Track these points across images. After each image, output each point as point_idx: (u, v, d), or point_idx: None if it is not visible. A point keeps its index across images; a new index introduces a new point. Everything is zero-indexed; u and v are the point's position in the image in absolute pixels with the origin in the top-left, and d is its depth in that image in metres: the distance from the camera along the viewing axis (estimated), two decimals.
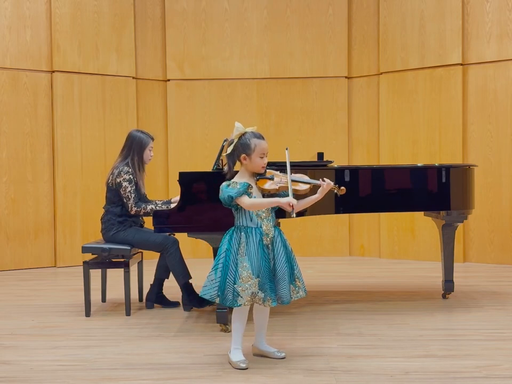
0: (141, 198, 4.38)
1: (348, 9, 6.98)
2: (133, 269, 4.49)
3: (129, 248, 4.24)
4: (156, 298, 4.46)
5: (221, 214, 3.44)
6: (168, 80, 7.07)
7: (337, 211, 4.25)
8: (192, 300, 4.24)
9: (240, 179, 3.08)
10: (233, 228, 3.13)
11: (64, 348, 3.50)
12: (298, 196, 3.19)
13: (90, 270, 4.25)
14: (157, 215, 3.81)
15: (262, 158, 3.08)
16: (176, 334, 3.76)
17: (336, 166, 4.39)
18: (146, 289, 4.56)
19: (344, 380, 2.88)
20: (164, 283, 4.50)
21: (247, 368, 3.04)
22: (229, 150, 3.11)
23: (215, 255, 3.37)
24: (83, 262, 4.28)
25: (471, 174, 4.54)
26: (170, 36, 7.02)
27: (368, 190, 4.35)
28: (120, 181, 4.29)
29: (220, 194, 3.07)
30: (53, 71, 6.49)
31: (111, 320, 4.12)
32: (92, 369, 3.10)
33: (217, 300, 3.07)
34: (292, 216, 3.01)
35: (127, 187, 4.28)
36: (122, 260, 4.26)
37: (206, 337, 3.64)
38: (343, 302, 4.54)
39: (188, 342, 3.57)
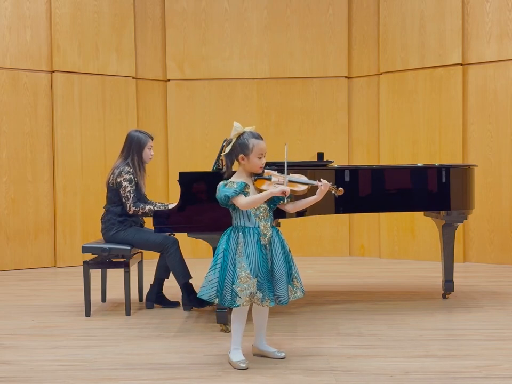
0: (141, 198, 4.38)
1: (348, 9, 6.98)
2: (133, 269, 4.49)
3: (129, 248, 4.24)
4: (156, 298, 4.46)
5: (221, 214, 3.43)
6: (168, 80, 7.07)
7: (337, 211, 4.25)
8: (192, 299, 4.24)
9: (238, 179, 3.08)
10: (230, 228, 3.12)
11: (64, 347, 3.50)
12: (296, 196, 3.19)
13: (90, 270, 4.25)
14: (157, 215, 3.82)
15: (260, 158, 3.07)
16: (176, 334, 3.76)
17: (336, 166, 4.39)
18: (146, 289, 4.56)
19: (344, 380, 2.88)
20: (164, 283, 4.50)
21: (247, 368, 3.04)
22: (227, 149, 3.10)
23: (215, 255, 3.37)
24: (83, 262, 4.28)
25: (471, 174, 4.54)
26: (170, 36, 7.02)
27: (368, 190, 4.35)
28: (121, 181, 4.29)
29: (216, 194, 3.06)
30: (53, 71, 6.49)
31: (111, 320, 4.12)
32: (92, 369, 3.10)
33: (215, 301, 3.06)
34: (285, 202, 3.00)
35: (127, 187, 4.28)
36: (122, 260, 4.26)
37: (206, 337, 3.64)
38: (343, 302, 4.54)
39: (188, 342, 3.57)
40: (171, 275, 4.38)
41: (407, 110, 6.65)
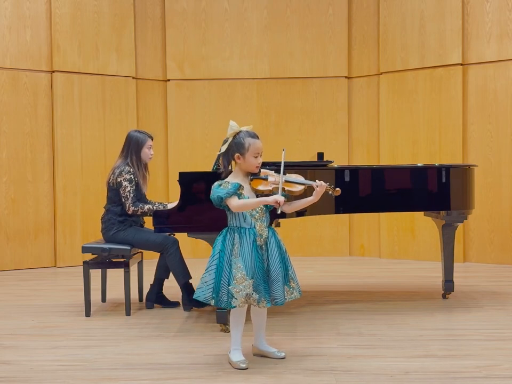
0: (141, 198, 4.38)
1: (348, 9, 6.98)
2: (133, 269, 4.49)
3: (129, 248, 4.24)
4: (156, 298, 4.46)
5: (220, 214, 3.42)
6: (168, 80, 7.07)
7: (337, 211, 4.25)
8: (192, 300, 4.24)
9: (234, 179, 3.07)
10: (226, 228, 3.11)
11: (64, 348, 3.50)
12: (293, 197, 3.19)
13: (90, 270, 4.25)
14: (157, 215, 3.82)
15: (256, 157, 3.05)
16: (176, 334, 3.76)
17: (336, 166, 4.39)
18: (146, 289, 4.56)
19: (344, 380, 2.88)
20: (164, 283, 4.50)
21: (247, 368, 3.04)
22: (223, 148, 3.09)
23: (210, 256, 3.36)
24: (83, 262, 4.28)
25: (471, 174, 4.54)
26: (170, 36, 7.02)
27: (368, 190, 4.35)
28: (121, 180, 4.30)
29: (211, 194, 3.05)
30: (53, 71, 6.49)
31: (111, 320, 4.12)
32: (92, 369, 3.10)
33: (211, 302, 3.04)
34: (278, 212, 3.00)
35: (127, 186, 4.28)
36: (122, 260, 4.27)
37: (206, 337, 3.64)
38: (343, 302, 4.54)
39: (188, 342, 3.57)
40: (171, 275, 4.38)
41: (407, 110, 6.65)
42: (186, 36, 7.02)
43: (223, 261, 3.01)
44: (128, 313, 4.21)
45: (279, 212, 2.99)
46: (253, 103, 7.04)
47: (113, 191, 4.36)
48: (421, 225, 6.46)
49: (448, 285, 4.56)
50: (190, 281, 4.29)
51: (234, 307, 3.01)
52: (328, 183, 3.14)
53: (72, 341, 3.63)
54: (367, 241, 6.99)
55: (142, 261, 4.65)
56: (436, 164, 4.83)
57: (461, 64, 6.37)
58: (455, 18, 6.35)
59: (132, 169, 4.33)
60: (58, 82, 6.49)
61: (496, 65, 6.24)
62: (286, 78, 7.03)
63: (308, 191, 3.14)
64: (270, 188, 3.05)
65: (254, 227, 3.05)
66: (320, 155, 4.38)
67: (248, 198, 3.05)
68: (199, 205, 3.79)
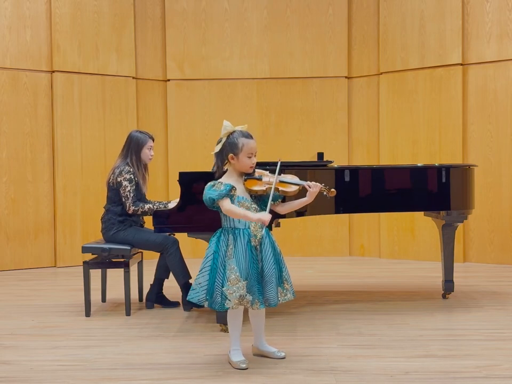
0: (141, 198, 4.38)
1: (348, 9, 6.98)
2: (133, 269, 4.49)
3: (129, 248, 4.24)
4: (156, 298, 4.46)
5: (220, 214, 3.43)
6: (168, 80, 7.07)
7: (337, 211, 4.25)
8: None
9: (228, 179, 3.05)
10: (220, 229, 3.09)
11: (64, 347, 3.50)
12: (287, 197, 3.18)
13: (90, 270, 4.25)
14: (157, 215, 3.82)
15: (250, 157, 3.03)
16: (176, 334, 3.76)
17: (336, 166, 4.39)
18: (146, 289, 4.56)
19: (344, 380, 2.88)
20: (164, 283, 4.51)
21: (247, 368, 3.04)
22: (217, 148, 3.07)
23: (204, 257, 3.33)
24: (83, 262, 4.28)
25: (471, 174, 4.54)
26: (170, 36, 7.02)
27: (368, 190, 4.35)
28: (121, 180, 4.30)
29: (203, 195, 3.03)
30: (53, 71, 6.49)
31: (111, 320, 4.12)
32: (92, 369, 3.10)
33: (205, 304, 3.02)
34: (262, 232, 3.01)
35: (127, 186, 4.29)
36: (122, 260, 4.26)
37: (206, 337, 3.64)
38: (343, 302, 4.54)
39: (188, 342, 3.57)
40: (171, 275, 4.38)
41: (407, 110, 6.65)
42: (186, 36, 7.02)
43: (217, 263, 2.99)
44: (128, 313, 4.21)
45: (263, 231, 3.00)
46: (253, 103, 7.04)
47: (113, 191, 4.36)
48: (421, 225, 6.46)
49: (448, 285, 4.56)
50: (190, 281, 4.28)
51: (227, 309, 3.00)
52: (323, 184, 3.12)
53: (72, 341, 3.63)
54: (367, 241, 6.99)
55: (142, 261, 4.65)
56: (436, 164, 4.83)
57: (461, 64, 6.37)
58: (455, 18, 6.35)
59: (131, 169, 4.34)
60: (58, 82, 6.49)
61: (496, 65, 6.24)
62: (286, 78, 7.03)
63: (303, 192, 3.13)
64: (264, 188, 3.03)
65: (249, 227, 3.03)
66: (320, 155, 4.38)
67: (243, 198, 3.03)
68: (199, 205, 3.76)
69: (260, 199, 3.09)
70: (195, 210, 3.77)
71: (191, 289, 3.08)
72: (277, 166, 3.07)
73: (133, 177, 4.32)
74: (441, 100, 6.47)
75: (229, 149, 3.03)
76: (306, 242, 7.02)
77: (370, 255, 6.97)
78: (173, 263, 4.26)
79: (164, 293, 4.50)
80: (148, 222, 4.27)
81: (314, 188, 3.07)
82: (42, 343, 3.61)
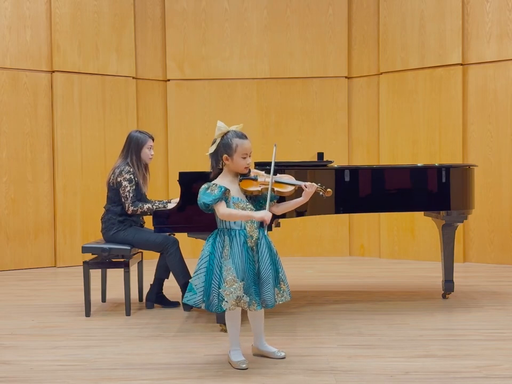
0: (141, 198, 4.38)
1: (348, 9, 6.98)
2: (133, 269, 4.49)
3: (129, 248, 4.24)
4: (156, 298, 4.46)
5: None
6: (168, 80, 7.07)
7: (337, 211, 4.25)
8: None
9: (223, 179, 3.04)
10: (216, 230, 3.07)
11: (64, 348, 3.50)
12: (283, 197, 3.17)
13: (90, 270, 4.25)
14: (157, 215, 3.82)
15: (244, 158, 3.01)
16: (176, 334, 3.76)
17: (336, 166, 4.39)
18: (146, 289, 4.56)
19: (344, 380, 2.88)
20: (164, 283, 4.50)
21: (247, 368, 3.04)
22: (212, 149, 3.05)
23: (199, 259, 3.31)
24: (83, 262, 4.28)
25: (471, 174, 4.54)
26: (170, 36, 7.02)
27: (368, 190, 4.34)
28: (121, 180, 4.30)
29: (198, 198, 3.00)
30: (53, 71, 6.49)
31: (111, 320, 4.12)
32: (92, 369, 3.10)
33: (202, 306, 3.01)
34: (264, 232, 2.99)
35: (127, 186, 4.29)
36: (122, 260, 4.26)
37: (206, 337, 3.64)
38: (343, 302, 4.54)
39: (188, 342, 3.57)
40: (171, 275, 4.38)
41: (407, 110, 6.65)
42: (186, 36, 7.02)
43: (214, 264, 2.98)
44: (128, 313, 4.21)
45: (266, 232, 2.99)
46: (253, 103, 7.04)
47: (113, 191, 4.36)
48: (421, 225, 6.46)
49: (448, 285, 4.56)
50: (190, 281, 4.28)
51: (224, 310, 2.99)
52: (319, 184, 3.10)
53: (72, 341, 3.63)
54: (367, 241, 6.99)
55: (142, 261, 4.65)
56: (436, 164, 4.83)
57: (461, 64, 6.37)
58: (455, 18, 6.35)
59: (131, 169, 4.34)
60: (58, 82, 6.49)
61: (496, 65, 6.24)
62: (286, 78, 7.03)
63: (299, 192, 3.11)
64: (259, 189, 3.02)
65: (245, 228, 3.02)
66: (320, 155, 4.38)
67: (238, 198, 3.02)
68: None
69: (255, 200, 3.07)
70: (195, 210, 3.75)
71: (187, 290, 3.06)
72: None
73: (132, 177, 4.32)
74: (441, 99, 6.47)
75: (223, 150, 3.01)
76: (306, 242, 7.02)
77: (370, 255, 6.97)
78: (173, 263, 4.26)
79: (164, 293, 4.50)
80: (148, 222, 4.27)
81: (310, 188, 3.05)
82: (42, 343, 3.61)
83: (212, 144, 3.07)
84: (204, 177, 3.84)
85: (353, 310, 4.30)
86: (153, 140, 4.51)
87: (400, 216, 6.57)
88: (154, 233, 3.96)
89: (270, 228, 3.60)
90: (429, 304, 4.44)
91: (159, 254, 4.43)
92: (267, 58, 7.03)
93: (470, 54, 6.37)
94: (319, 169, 4.21)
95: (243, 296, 2.96)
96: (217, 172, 3.09)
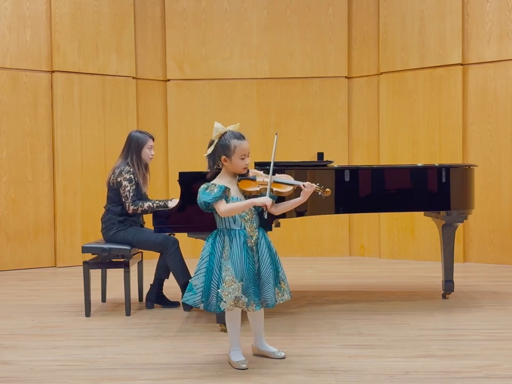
0: (142, 198, 4.38)
1: (348, 9, 6.98)
2: (133, 269, 4.49)
3: (129, 248, 4.24)
4: (156, 298, 4.46)
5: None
6: (168, 80, 7.07)
7: (337, 211, 4.25)
8: None
9: (221, 180, 3.03)
10: (215, 231, 3.07)
11: (64, 348, 3.50)
12: (282, 197, 3.17)
13: (90, 270, 4.25)
14: (157, 215, 3.82)
15: (243, 159, 3.00)
16: (176, 334, 3.76)
17: (336, 166, 4.39)
18: (146, 289, 4.56)
19: (344, 380, 2.88)
20: (164, 283, 4.50)
21: (247, 368, 3.04)
22: (209, 151, 3.04)
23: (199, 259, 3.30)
24: (83, 262, 4.28)
25: (471, 174, 4.54)
26: (170, 36, 7.02)
27: (368, 190, 4.34)
28: (121, 180, 4.30)
29: (197, 198, 3.00)
30: (53, 71, 6.49)
31: (111, 320, 4.12)
32: (92, 369, 3.10)
33: (200, 306, 3.00)
34: (264, 216, 2.98)
35: (127, 186, 4.29)
36: (122, 260, 4.26)
37: (206, 337, 3.64)
38: (343, 302, 4.54)
39: (188, 342, 3.57)
40: (171, 275, 4.38)
41: (407, 110, 6.65)
42: (186, 36, 7.02)
43: (213, 264, 2.98)
44: (128, 313, 4.21)
45: (265, 216, 2.98)
46: (253, 103, 7.04)
47: (113, 191, 4.36)
48: (421, 225, 6.46)
49: (448, 285, 4.56)
50: (190, 281, 4.28)
51: (222, 310, 2.99)
52: (317, 184, 3.09)
53: (72, 341, 3.63)
54: (367, 241, 6.99)
55: (142, 261, 4.65)
56: (436, 164, 4.83)
57: (461, 64, 6.37)
58: (455, 18, 6.35)
59: (131, 169, 4.34)
60: (58, 82, 6.49)
61: (496, 65, 6.24)
62: (286, 78, 7.03)
63: (298, 192, 3.11)
64: (258, 189, 3.01)
65: (244, 228, 3.02)
66: (320, 155, 4.38)
67: (237, 198, 3.01)
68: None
69: None
70: (195, 210, 3.75)
71: (186, 290, 3.06)
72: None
73: (132, 177, 4.32)
74: (441, 99, 6.47)
75: (221, 151, 3.01)
76: (306, 242, 7.02)
77: (370, 255, 6.97)
78: (173, 263, 4.26)
79: (164, 293, 4.50)
80: (148, 222, 4.26)
81: (308, 187, 3.05)
82: (42, 343, 3.61)
83: (209, 145, 3.07)
84: (204, 177, 3.85)
85: (353, 310, 4.30)
86: (153, 140, 4.51)
87: (400, 216, 6.57)
88: (154, 233, 3.96)
89: (270, 228, 3.61)
90: (429, 304, 4.44)
91: (159, 254, 4.43)
92: (267, 58, 7.03)
93: (470, 54, 6.37)
94: (319, 169, 4.21)
95: (241, 296, 2.96)
96: (214, 172, 3.08)
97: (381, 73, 6.81)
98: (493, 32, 6.24)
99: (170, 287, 4.57)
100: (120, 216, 4.33)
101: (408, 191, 4.41)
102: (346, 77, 7.02)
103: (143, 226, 4.49)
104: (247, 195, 3.05)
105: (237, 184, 3.04)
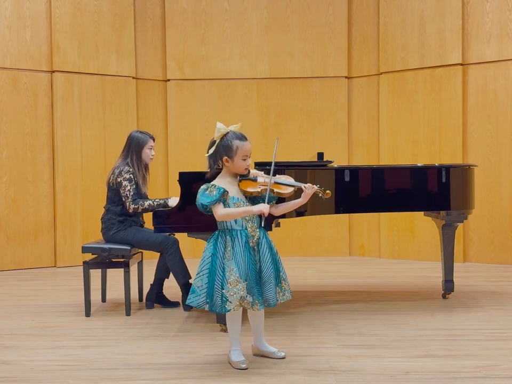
0: (142, 197, 4.38)
1: (348, 9, 6.98)
2: (133, 269, 4.49)
3: (129, 248, 4.24)
4: (156, 298, 4.46)
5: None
6: (168, 80, 7.07)
7: (337, 211, 4.25)
8: None
9: (221, 180, 3.03)
10: (217, 232, 3.07)
11: (64, 348, 3.50)
12: (282, 198, 3.17)
13: (90, 270, 4.25)
14: (157, 215, 3.82)
15: (244, 160, 3.00)
16: (176, 334, 3.76)
17: (336, 166, 4.39)
18: (146, 289, 4.56)
19: (344, 380, 2.88)
20: (164, 283, 4.51)
21: (247, 368, 3.04)
22: (211, 151, 3.04)
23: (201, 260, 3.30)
24: (83, 262, 4.28)
25: (471, 174, 4.54)
26: (170, 36, 7.02)
27: (368, 190, 4.34)
28: (121, 180, 4.30)
29: (196, 199, 3.00)
30: (53, 71, 6.49)
31: (111, 320, 4.12)
32: (92, 369, 3.10)
33: (205, 307, 3.00)
34: (261, 224, 2.99)
35: (127, 186, 4.29)
36: (122, 260, 4.27)
37: (206, 337, 3.64)
38: (343, 302, 4.54)
39: (188, 342, 3.57)
40: (171, 275, 4.38)
41: (407, 110, 6.65)
42: (186, 36, 7.02)
43: (216, 265, 2.98)
44: (128, 313, 4.21)
45: (263, 224, 2.99)
46: (253, 103, 7.04)
47: (113, 191, 4.36)
48: (421, 225, 6.46)
49: (448, 285, 4.56)
50: (190, 281, 4.29)
51: (229, 311, 2.99)
52: (318, 185, 3.09)
53: (72, 341, 3.63)
54: (367, 241, 6.99)
55: (142, 261, 4.65)
56: (436, 164, 4.83)
57: (461, 64, 6.37)
58: (455, 18, 6.35)
59: (131, 169, 4.34)
60: (58, 82, 6.49)
61: (496, 65, 6.24)
62: (286, 78, 7.03)
63: (298, 193, 3.11)
64: (259, 190, 3.01)
65: (246, 228, 3.02)
66: (320, 155, 4.38)
67: (238, 199, 3.01)
68: None
69: (254, 200, 3.07)
70: (195, 210, 3.75)
71: (190, 292, 3.06)
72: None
73: (132, 177, 4.32)
74: (441, 99, 6.47)
75: (223, 151, 3.00)
76: (306, 242, 7.02)
77: (370, 255, 6.97)
78: (172, 263, 4.26)
79: (164, 293, 4.50)
80: (148, 222, 4.27)
81: (309, 189, 3.04)
82: (42, 343, 3.61)
83: (211, 145, 3.07)
84: (204, 177, 3.86)
85: (353, 310, 4.30)
86: (154, 140, 4.51)
87: (400, 216, 6.57)
88: (154, 233, 3.96)
89: (270, 228, 3.61)
90: (429, 304, 4.44)
91: (159, 254, 4.43)
92: (267, 58, 7.03)
93: (470, 54, 6.37)
94: (319, 169, 4.21)
95: (246, 296, 2.97)
96: (214, 172, 3.08)
97: (381, 73, 6.81)
98: (493, 32, 6.24)
99: (170, 287, 4.57)
100: (120, 216, 4.33)
101: (408, 191, 4.41)
102: (346, 77, 7.02)
103: (143, 226, 4.49)
104: (248, 195, 3.05)
105: (238, 185, 3.04)
